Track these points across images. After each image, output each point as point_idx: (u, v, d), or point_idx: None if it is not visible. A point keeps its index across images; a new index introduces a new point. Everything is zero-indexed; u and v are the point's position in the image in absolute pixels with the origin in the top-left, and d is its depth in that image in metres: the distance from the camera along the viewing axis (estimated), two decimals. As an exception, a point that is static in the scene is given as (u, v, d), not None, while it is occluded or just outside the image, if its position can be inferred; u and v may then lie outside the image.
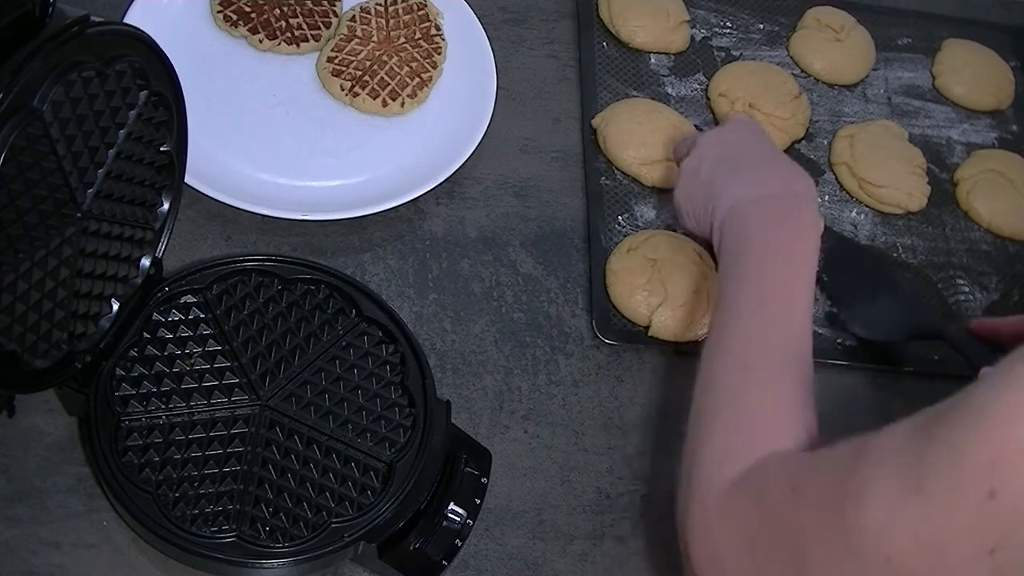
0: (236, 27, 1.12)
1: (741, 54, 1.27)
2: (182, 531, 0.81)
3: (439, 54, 1.16)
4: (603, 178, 1.13)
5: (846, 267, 1.08)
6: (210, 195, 1.00)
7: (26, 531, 0.83)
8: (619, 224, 1.10)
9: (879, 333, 1.06)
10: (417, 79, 1.13)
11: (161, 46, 0.82)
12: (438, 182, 1.06)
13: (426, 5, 1.18)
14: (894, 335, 1.06)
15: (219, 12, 1.13)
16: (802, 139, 1.22)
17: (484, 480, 0.89)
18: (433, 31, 1.17)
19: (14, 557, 0.82)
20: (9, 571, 0.82)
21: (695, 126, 1.18)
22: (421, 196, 1.05)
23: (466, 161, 1.08)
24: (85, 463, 0.86)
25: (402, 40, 1.16)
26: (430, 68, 1.14)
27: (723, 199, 0.92)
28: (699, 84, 1.24)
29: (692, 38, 1.27)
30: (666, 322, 1.02)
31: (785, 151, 1.20)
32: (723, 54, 1.27)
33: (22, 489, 0.85)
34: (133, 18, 1.07)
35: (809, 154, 1.22)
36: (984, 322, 0.99)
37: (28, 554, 0.83)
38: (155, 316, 0.90)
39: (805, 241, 0.89)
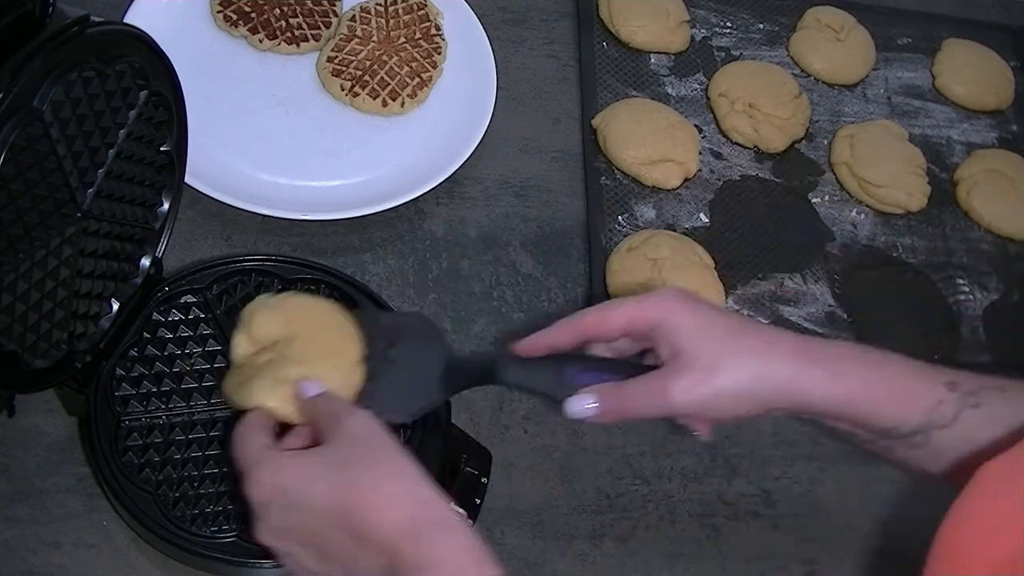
0: (236, 27, 1.12)
1: (741, 54, 1.27)
2: (182, 531, 0.81)
3: (439, 54, 1.16)
4: (603, 178, 1.13)
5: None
6: (210, 195, 1.00)
7: (26, 531, 0.83)
8: (619, 224, 1.10)
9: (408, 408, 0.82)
10: (417, 79, 1.13)
11: (161, 46, 0.82)
12: (438, 182, 1.06)
13: (426, 5, 1.18)
14: (420, 403, 0.82)
15: (219, 12, 1.13)
16: (802, 139, 1.22)
17: (484, 480, 0.89)
18: (433, 31, 1.17)
19: (14, 557, 0.82)
20: (9, 571, 0.82)
21: (695, 126, 1.18)
22: (421, 196, 1.05)
23: (466, 161, 1.08)
24: (85, 463, 0.86)
25: (402, 40, 1.16)
26: (430, 68, 1.14)
27: None
28: (699, 84, 1.24)
29: (692, 38, 1.27)
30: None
31: (785, 151, 1.20)
32: (723, 54, 1.27)
33: (22, 489, 0.85)
34: (133, 18, 1.07)
35: (809, 154, 1.22)
36: (527, 342, 0.80)
37: (28, 554, 0.83)
38: (155, 316, 0.90)
39: None
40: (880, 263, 1.15)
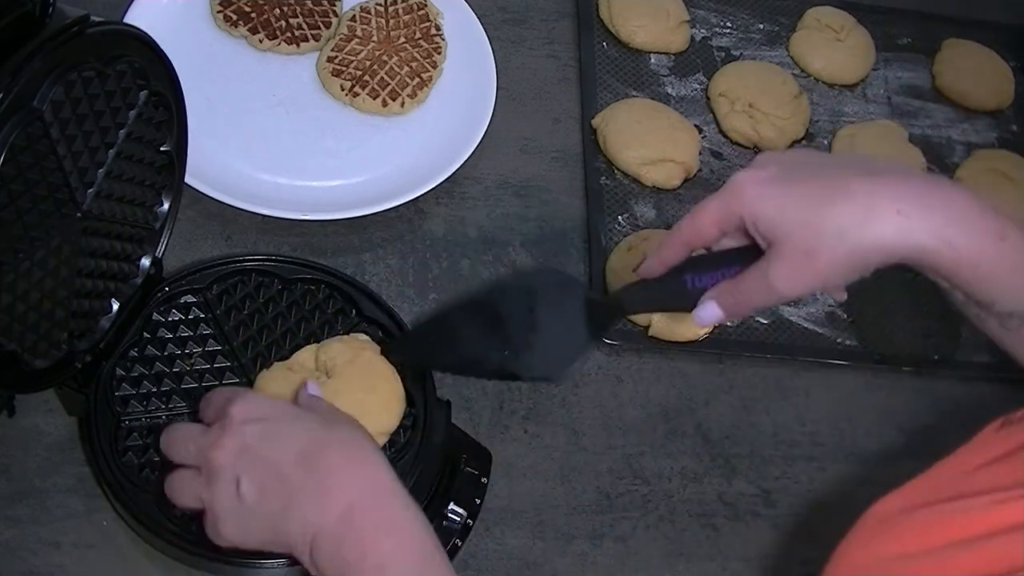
0: (236, 27, 1.12)
1: (741, 54, 1.27)
2: (182, 531, 0.81)
3: (439, 54, 1.16)
4: (603, 178, 1.13)
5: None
6: (210, 195, 1.00)
7: (26, 531, 0.83)
8: (619, 224, 1.10)
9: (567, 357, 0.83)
10: (417, 79, 1.13)
11: (161, 46, 0.82)
12: (438, 182, 1.06)
13: (426, 5, 1.18)
14: (577, 353, 0.84)
15: (219, 12, 1.13)
16: (802, 139, 1.22)
17: (484, 480, 0.89)
18: (433, 31, 1.17)
19: (14, 557, 0.82)
20: (9, 571, 0.82)
21: (695, 126, 1.18)
22: (421, 196, 1.05)
23: (466, 161, 1.08)
24: (85, 463, 0.86)
25: (402, 40, 1.16)
26: (430, 68, 1.14)
27: (299, 529, 0.72)
28: (699, 84, 1.24)
29: (692, 38, 1.27)
30: (666, 322, 1.02)
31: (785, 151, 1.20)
32: (723, 54, 1.27)
33: (22, 489, 0.85)
34: (133, 18, 1.07)
35: None
36: (645, 266, 0.79)
37: (28, 554, 0.83)
38: (155, 316, 0.90)
39: (404, 534, 0.72)
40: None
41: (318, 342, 0.91)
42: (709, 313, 0.75)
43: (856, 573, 0.59)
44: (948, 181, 0.73)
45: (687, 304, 0.77)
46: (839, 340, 1.08)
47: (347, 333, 0.92)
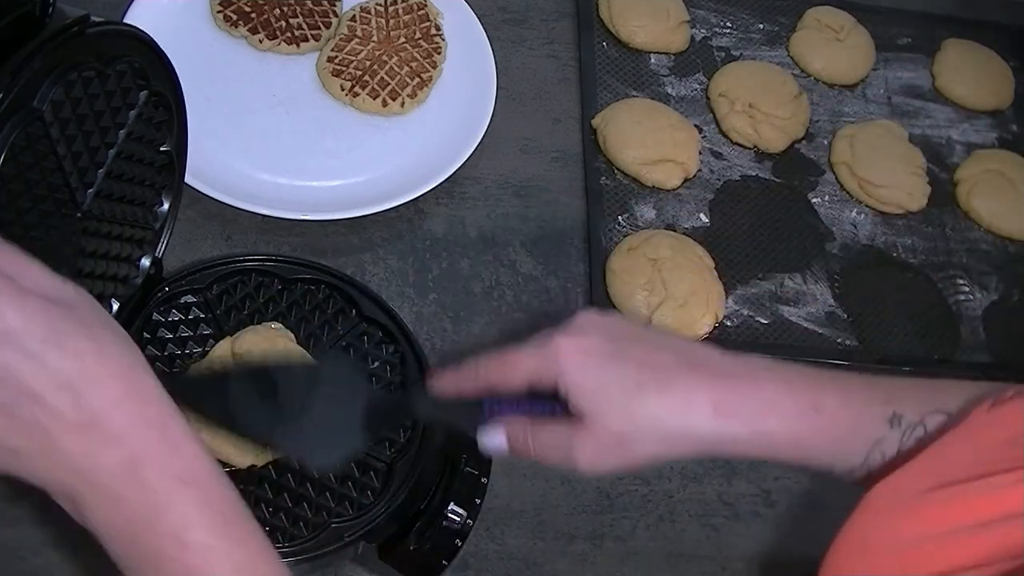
0: (236, 27, 1.12)
1: (741, 54, 1.27)
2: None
3: (439, 54, 1.16)
4: (603, 178, 1.13)
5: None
6: (210, 195, 1.00)
7: (26, 531, 0.83)
8: (619, 224, 1.10)
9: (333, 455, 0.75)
10: (417, 79, 1.13)
11: (161, 46, 0.82)
12: (438, 182, 1.06)
13: (426, 5, 1.18)
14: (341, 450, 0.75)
15: (219, 12, 1.13)
16: (802, 139, 1.22)
17: (484, 480, 0.88)
18: (433, 31, 1.17)
19: (14, 557, 0.82)
20: (9, 571, 0.82)
21: (696, 126, 1.18)
22: (421, 196, 1.05)
23: (466, 161, 1.08)
24: (85, 463, 0.86)
25: (402, 40, 1.16)
26: (430, 68, 1.14)
27: (58, 476, 0.59)
28: (699, 84, 1.24)
29: (692, 38, 1.27)
30: (666, 322, 1.02)
31: (785, 151, 1.20)
32: (723, 54, 1.27)
33: (22, 489, 0.85)
34: (133, 18, 1.07)
35: (809, 154, 1.22)
36: (438, 381, 0.74)
37: (28, 554, 0.83)
38: (155, 316, 0.90)
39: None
40: (880, 263, 1.15)
41: (318, 342, 0.91)
42: (494, 443, 0.72)
43: (872, 556, 0.59)
44: (762, 364, 0.72)
45: (475, 429, 0.73)
46: (839, 340, 1.08)
47: (347, 332, 0.92)
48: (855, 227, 1.17)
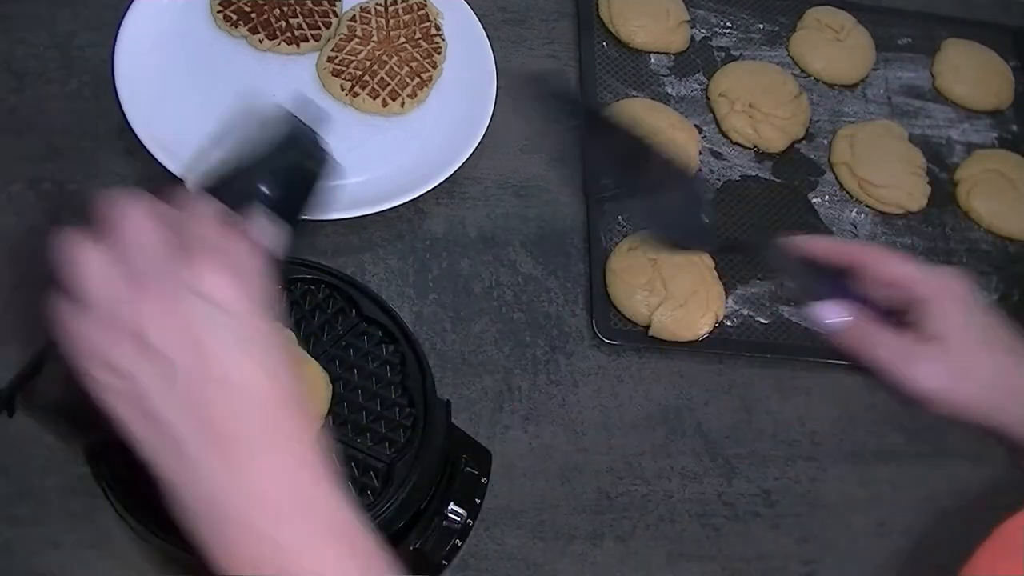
0: (236, 27, 1.12)
1: (741, 54, 1.27)
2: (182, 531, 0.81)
3: (439, 54, 1.16)
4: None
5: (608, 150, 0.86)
6: (210, 195, 1.00)
7: (26, 531, 0.83)
8: (619, 224, 1.10)
9: (676, 234, 0.83)
10: (417, 79, 1.13)
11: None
12: (438, 182, 1.06)
13: (426, 5, 1.18)
14: (696, 239, 0.85)
15: (219, 12, 1.12)
16: (802, 139, 1.22)
17: (484, 480, 0.89)
18: (433, 31, 1.17)
19: (14, 557, 0.82)
20: (9, 571, 0.82)
21: (695, 126, 1.18)
22: (421, 196, 1.05)
23: (466, 161, 1.08)
24: (85, 463, 0.86)
25: (402, 40, 1.16)
26: (430, 68, 1.14)
27: (195, 493, 0.56)
28: (699, 84, 1.24)
29: (692, 38, 1.27)
30: (666, 322, 1.02)
31: (785, 151, 1.20)
32: (723, 54, 1.27)
33: (22, 489, 0.85)
34: (133, 18, 1.07)
35: (809, 154, 1.22)
36: (800, 238, 0.80)
37: (28, 554, 0.83)
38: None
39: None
40: None
41: (318, 342, 0.91)
42: (834, 318, 0.76)
43: None
44: None
45: (809, 296, 0.77)
46: None
47: (347, 332, 0.92)
48: (855, 227, 1.17)
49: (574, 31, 1.24)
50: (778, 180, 1.19)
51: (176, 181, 0.97)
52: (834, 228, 1.16)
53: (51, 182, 1.00)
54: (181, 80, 1.07)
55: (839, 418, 1.05)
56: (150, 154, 1.00)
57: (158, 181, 1.00)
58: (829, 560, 0.97)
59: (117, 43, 1.05)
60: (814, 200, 1.18)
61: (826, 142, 1.23)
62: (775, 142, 1.19)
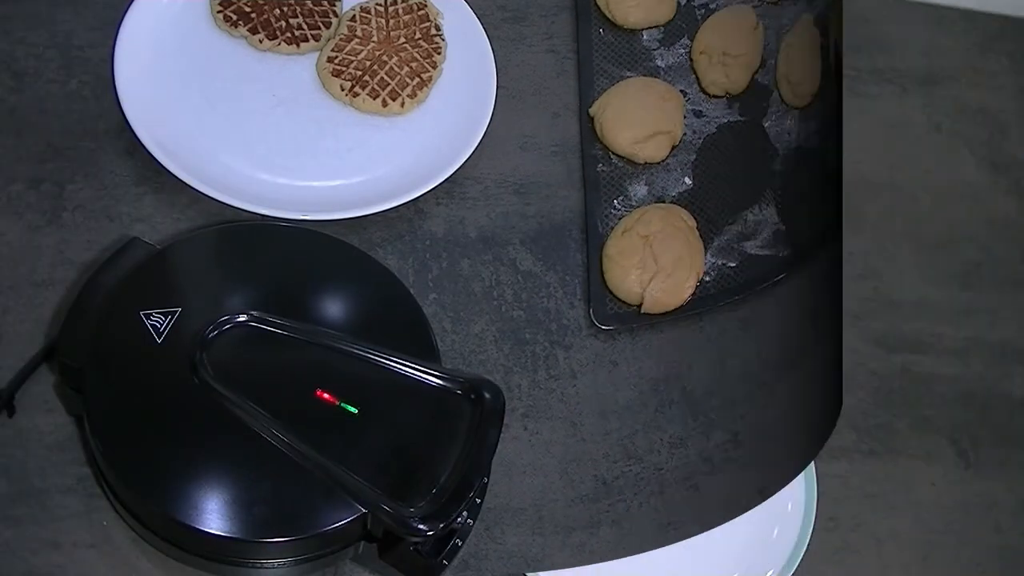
0: (236, 27, 1.12)
1: (717, 5, 1.23)
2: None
3: (439, 54, 1.16)
4: (600, 165, 1.12)
5: None
6: (210, 195, 1.00)
7: (26, 531, 0.83)
8: (614, 208, 1.09)
9: None
10: (417, 79, 1.13)
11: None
12: (438, 182, 1.06)
13: (426, 5, 1.18)
14: None
15: (219, 12, 1.13)
16: (759, 68, 1.19)
17: (485, 480, 0.89)
18: (433, 31, 1.17)
19: (14, 557, 0.82)
20: (9, 571, 0.82)
21: (681, 91, 1.17)
22: (421, 196, 1.05)
23: (466, 161, 1.08)
24: (85, 463, 0.86)
25: (402, 40, 1.16)
26: (430, 68, 1.14)
27: None
28: (684, 48, 1.21)
29: (678, 4, 1.23)
30: (656, 295, 1.02)
31: (748, 87, 1.17)
32: (703, 11, 1.23)
33: (22, 489, 0.85)
34: (133, 18, 1.07)
35: (763, 80, 1.18)
36: None
37: (28, 554, 0.83)
38: (155, 316, 0.90)
39: None
40: (814, 164, 1.13)
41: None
42: None
43: None
44: None
45: None
46: (781, 255, 1.07)
47: None
48: (789, 135, 1.15)
49: (572, 23, 1.23)
50: (743, 119, 1.16)
51: (176, 181, 0.99)
52: (778, 144, 1.13)
53: (51, 182, 1.00)
54: (181, 80, 1.07)
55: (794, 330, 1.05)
56: (150, 154, 1.00)
57: (158, 181, 1.01)
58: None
59: (117, 43, 1.05)
60: (766, 124, 1.15)
61: (773, 62, 1.19)
62: (741, 81, 1.17)
